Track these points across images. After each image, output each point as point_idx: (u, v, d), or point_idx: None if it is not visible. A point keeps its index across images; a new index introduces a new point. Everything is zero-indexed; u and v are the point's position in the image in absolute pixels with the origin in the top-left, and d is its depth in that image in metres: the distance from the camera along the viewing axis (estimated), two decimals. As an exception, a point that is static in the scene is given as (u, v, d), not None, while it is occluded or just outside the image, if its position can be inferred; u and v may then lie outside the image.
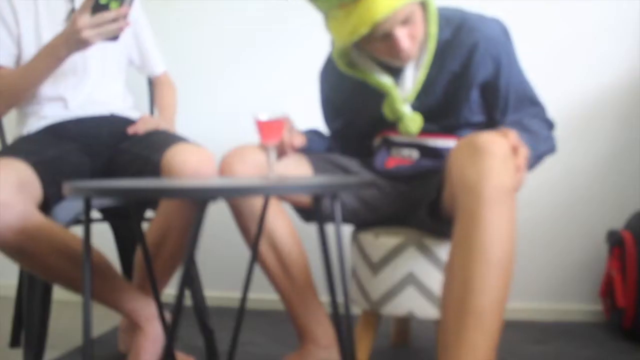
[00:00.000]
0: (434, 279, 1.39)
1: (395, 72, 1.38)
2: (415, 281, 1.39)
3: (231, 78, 2.23)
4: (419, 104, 1.38)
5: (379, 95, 1.41)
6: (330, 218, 1.46)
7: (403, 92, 1.35)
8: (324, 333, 1.43)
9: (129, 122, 1.62)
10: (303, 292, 1.42)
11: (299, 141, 1.34)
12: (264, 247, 1.41)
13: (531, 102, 1.42)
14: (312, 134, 1.53)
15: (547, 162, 2.00)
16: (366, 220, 1.51)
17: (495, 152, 1.05)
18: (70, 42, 1.38)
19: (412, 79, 1.35)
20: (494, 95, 1.37)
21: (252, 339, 1.81)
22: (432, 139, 1.42)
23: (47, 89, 1.57)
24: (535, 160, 1.31)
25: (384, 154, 1.47)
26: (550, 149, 1.37)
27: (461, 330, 1.01)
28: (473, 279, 1.02)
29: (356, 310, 2.05)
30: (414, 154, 1.44)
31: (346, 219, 1.51)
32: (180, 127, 2.14)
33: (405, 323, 1.74)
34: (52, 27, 1.57)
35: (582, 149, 2.00)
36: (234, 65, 2.22)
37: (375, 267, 1.44)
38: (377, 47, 1.29)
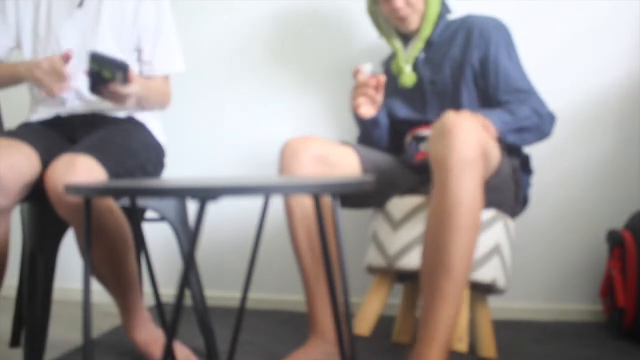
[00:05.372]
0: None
1: (405, 40, 1.73)
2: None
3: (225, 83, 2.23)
4: (430, 78, 1.67)
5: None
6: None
7: (406, 54, 1.70)
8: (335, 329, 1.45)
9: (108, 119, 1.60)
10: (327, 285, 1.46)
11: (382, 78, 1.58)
12: (301, 234, 1.48)
13: (525, 92, 1.59)
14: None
15: (547, 162, 2.00)
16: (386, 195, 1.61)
17: (458, 128, 1.24)
18: (30, 72, 1.44)
19: (413, 46, 1.69)
20: (486, 71, 1.61)
21: (252, 339, 1.81)
22: None
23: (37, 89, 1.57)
24: (510, 132, 1.50)
25: (413, 149, 1.63)
26: (534, 128, 1.54)
27: (434, 281, 1.22)
28: (444, 239, 1.22)
29: (356, 298, 2.05)
30: None
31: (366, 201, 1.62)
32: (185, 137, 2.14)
33: (406, 322, 1.74)
34: (57, 18, 1.57)
35: (582, 149, 2.00)
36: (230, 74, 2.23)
37: (396, 224, 1.55)
38: (383, 8, 1.67)
